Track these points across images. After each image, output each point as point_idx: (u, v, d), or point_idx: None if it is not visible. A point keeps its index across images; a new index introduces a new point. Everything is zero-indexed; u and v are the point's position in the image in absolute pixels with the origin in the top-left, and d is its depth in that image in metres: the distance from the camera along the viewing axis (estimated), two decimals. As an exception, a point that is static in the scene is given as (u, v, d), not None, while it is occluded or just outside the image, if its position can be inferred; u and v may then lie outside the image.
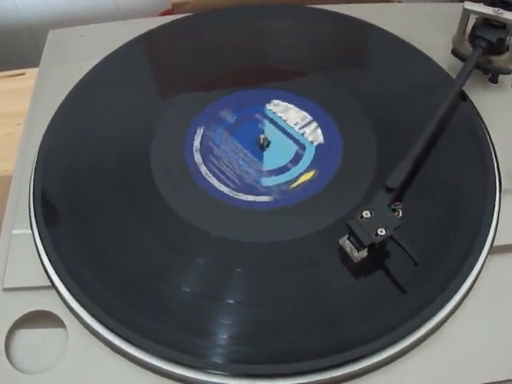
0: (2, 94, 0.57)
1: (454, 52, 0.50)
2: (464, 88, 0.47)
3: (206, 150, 0.47)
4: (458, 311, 0.38)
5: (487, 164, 0.44)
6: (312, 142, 0.47)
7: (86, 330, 0.37)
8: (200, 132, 0.48)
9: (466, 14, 0.49)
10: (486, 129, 0.46)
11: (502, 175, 0.44)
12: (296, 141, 0.47)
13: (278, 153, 0.46)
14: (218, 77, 0.52)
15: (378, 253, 0.39)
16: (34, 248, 0.41)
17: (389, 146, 0.46)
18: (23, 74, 0.58)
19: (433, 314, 0.37)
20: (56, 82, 0.52)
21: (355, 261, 0.39)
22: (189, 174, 0.45)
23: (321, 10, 0.56)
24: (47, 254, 0.40)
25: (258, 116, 0.49)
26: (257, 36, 0.56)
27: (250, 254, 0.41)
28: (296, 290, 0.39)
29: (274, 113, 0.49)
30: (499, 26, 0.48)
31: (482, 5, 0.49)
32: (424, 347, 0.36)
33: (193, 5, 0.60)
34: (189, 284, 0.39)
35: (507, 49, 0.50)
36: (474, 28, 0.49)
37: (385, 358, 0.36)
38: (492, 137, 0.46)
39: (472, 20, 0.50)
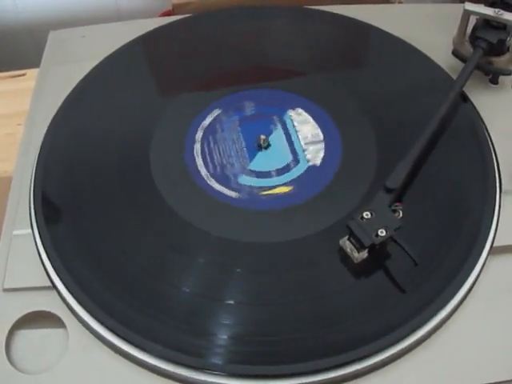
0: (3, 94, 0.57)
1: (455, 53, 0.50)
2: (464, 89, 0.47)
3: (210, 129, 0.47)
4: (458, 312, 0.38)
5: (487, 165, 0.44)
6: (308, 161, 0.46)
7: (86, 330, 0.37)
8: (216, 113, 0.48)
9: (467, 14, 0.49)
10: (487, 129, 0.46)
11: (502, 176, 0.44)
12: (294, 153, 0.46)
13: (272, 158, 0.46)
14: (218, 77, 0.52)
15: (379, 253, 0.39)
16: (35, 248, 0.41)
17: (389, 147, 0.46)
18: (24, 74, 0.58)
19: (433, 315, 0.37)
20: (56, 82, 0.52)
21: (355, 261, 0.39)
22: (188, 174, 0.45)
23: (326, 12, 0.56)
24: (47, 255, 0.40)
25: (275, 117, 0.48)
26: (257, 36, 0.56)
27: (250, 254, 0.41)
28: (296, 291, 0.39)
29: (292, 120, 0.48)
30: (500, 26, 0.48)
31: (482, 6, 0.49)
32: (424, 347, 0.36)
33: (193, 6, 0.60)
34: (189, 284, 0.39)
35: (508, 50, 0.50)
36: (475, 29, 0.49)
37: (385, 359, 0.36)
38: (492, 137, 0.46)
39: (472, 21, 0.50)
